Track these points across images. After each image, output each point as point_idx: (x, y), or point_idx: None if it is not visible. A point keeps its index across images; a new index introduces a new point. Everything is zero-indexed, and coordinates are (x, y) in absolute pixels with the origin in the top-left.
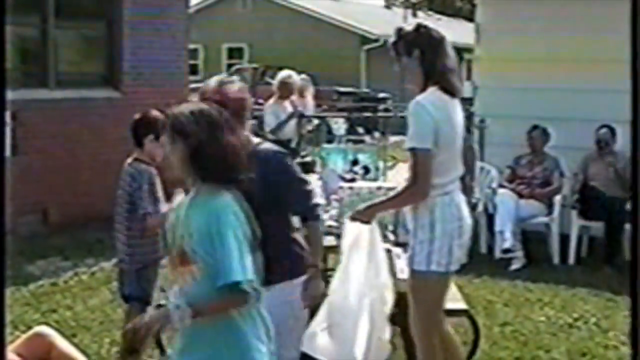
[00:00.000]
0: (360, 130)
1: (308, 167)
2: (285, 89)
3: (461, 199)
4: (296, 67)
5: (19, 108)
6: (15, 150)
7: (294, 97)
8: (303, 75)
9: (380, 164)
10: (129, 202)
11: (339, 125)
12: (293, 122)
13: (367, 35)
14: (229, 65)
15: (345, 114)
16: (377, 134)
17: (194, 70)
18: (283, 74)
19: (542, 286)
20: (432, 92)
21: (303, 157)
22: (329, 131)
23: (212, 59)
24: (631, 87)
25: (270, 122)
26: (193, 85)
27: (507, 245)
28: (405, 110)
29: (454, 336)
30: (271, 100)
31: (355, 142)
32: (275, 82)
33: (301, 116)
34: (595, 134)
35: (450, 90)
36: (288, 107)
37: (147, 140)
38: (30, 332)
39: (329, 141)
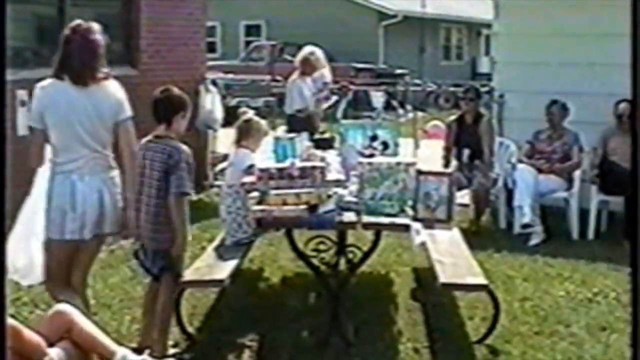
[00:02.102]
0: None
1: (327, 144)
2: (308, 65)
3: (82, 178)
4: (314, 44)
5: (36, 87)
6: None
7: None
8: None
9: (400, 140)
10: (162, 179)
11: (378, 99)
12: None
13: (384, 11)
14: (247, 43)
15: (383, 87)
16: (409, 107)
17: (211, 48)
18: (305, 50)
19: (562, 261)
20: (51, 79)
21: (322, 132)
22: (369, 103)
23: (229, 36)
24: (631, 90)
25: (290, 102)
26: (211, 63)
27: (526, 220)
28: (422, 85)
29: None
30: (293, 76)
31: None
32: (297, 58)
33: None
34: (616, 109)
35: (75, 80)
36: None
37: (178, 117)
38: (51, 311)
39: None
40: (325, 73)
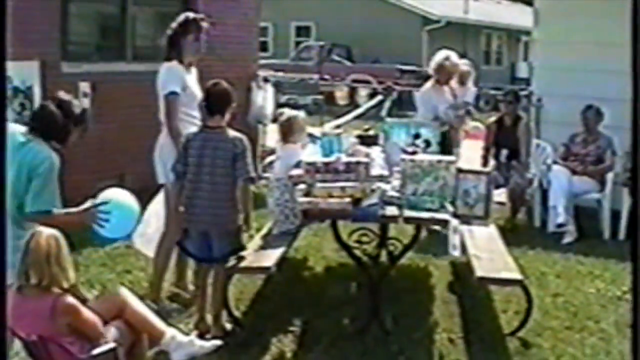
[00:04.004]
0: None
1: (371, 140)
2: (444, 73)
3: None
4: (361, 45)
5: (98, 80)
6: (93, 119)
7: (454, 84)
8: (465, 60)
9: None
10: (231, 166)
11: None
12: (451, 112)
13: (429, 16)
14: (297, 43)
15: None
16: None
17: (264, 47)
18: (440, 55)
19: (593, 259)
20: None
21: (367, 130)
22: (412, 103)
23: (281, 37)
24: (632, 93)
25: (423, 112)
26: (263, 62)
27: (560, 220)
28: None
29: None
30: (427, 85)
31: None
32: (431, 64)
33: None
34: None
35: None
36: (447, 94)
37: (229, 109)
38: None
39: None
40: (470, 89)
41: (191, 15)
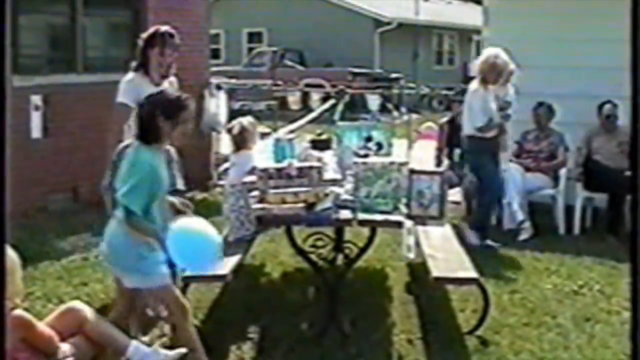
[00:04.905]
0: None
1: (324, 145)
2: (494, 72)
3: None
4: (313, 50)
5: (49, 92)
6: (46, 132)
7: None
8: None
9: (395, 140)
10: None
11: (374, 102)
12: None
13: (380, 19)
14: (250, 49)
15: (379, 91)
16: (404, 110)
17: (216, 54)
18: (489, 52)
19: (549, 255)
20: None
21: (319, 134)
22: (365, 106)
23: (233, 43)
24: (632, 91)
25: (480, 115)
26: (215, 69)
27: (520, 217)
28: (416, 89)
29: None
30: (474, 85)
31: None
32: (478, 62)
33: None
34: (601, 110)
35: None
36: (492, 94)
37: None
38: (63, 307)
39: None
40: (511, 88)
41: (161, 28)
